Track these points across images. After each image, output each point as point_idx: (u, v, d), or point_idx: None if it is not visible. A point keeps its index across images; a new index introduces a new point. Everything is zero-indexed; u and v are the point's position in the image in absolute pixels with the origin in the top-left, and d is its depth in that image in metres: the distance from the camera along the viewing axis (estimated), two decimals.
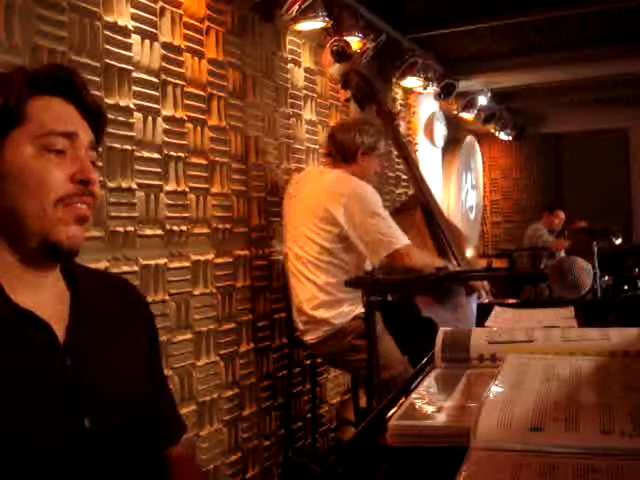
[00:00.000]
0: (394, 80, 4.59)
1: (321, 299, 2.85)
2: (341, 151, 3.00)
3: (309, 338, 2.91)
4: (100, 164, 1.03)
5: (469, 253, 3.41)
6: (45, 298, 1.06)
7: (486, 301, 2.96)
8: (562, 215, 6.72)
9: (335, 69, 3.96)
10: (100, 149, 1.20)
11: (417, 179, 3.52)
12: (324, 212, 2.83)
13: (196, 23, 2.79)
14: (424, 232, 3.31)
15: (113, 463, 1.05)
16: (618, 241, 5.82)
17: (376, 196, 2.89)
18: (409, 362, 2.75)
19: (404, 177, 5.04)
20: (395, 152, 4.38)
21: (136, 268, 2.41)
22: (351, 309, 2.82)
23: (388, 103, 4.44)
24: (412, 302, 3.03)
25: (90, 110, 1.10)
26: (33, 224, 1.02)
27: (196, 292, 2.72)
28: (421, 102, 5.47)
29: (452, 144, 6.54)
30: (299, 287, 2.92)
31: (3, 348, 0.98)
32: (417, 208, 3.41)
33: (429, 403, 0.91)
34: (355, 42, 3.67)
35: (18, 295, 1.02)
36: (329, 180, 2.93)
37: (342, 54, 3.61)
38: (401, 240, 2.81)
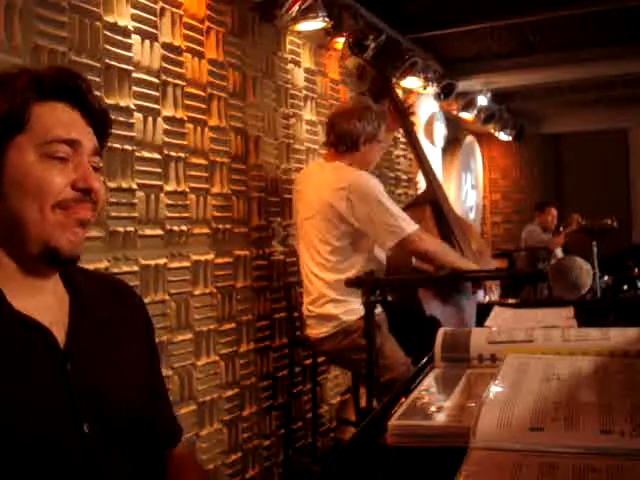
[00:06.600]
0: (394, 80, 4.59)
1: (330, 297, 2.82)
2: (343, 140, 2.91)
3: (315, 332, 2.89)
4: (100, 165, 1.03)
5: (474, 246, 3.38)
6: (45, 303, 1.06)
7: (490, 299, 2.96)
8: (554, 212, 6.66)
9: (351, 61, 3.93)
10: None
11: (429, 176, 3.50)
12: (329, 209, 2.79)
13: (196, 23, 2.79)
14: (433, 230, 3.29)
15: (111, 467, 1.05)
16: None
17: (378, 185, 2.83)
18: (413, 363, 2.74)
19: (404, 177, 5.04)
20: (393, 147, 4.36)
21: (136, 268, 2.41)
22: (360, 307, 2.80)
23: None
24: (416, 302, 3.02)
25: (95, 115, 1.09)
26: (33, 230, 1.01)
27: (196, 292, 2.72)
28: (421, 102, 5.47)
29: (452, 144, 6.54)
30: (310, 285, 2.90)
31: (4, 354, 0.98)
32: (427, 205, 3.38)
33: (429, 403, 0.91)
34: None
35: (19, 301, 1.02)
36: (329, 175, 2.87)
37: (359, 46, 3.58)
38: (409, 226, 2.77)
